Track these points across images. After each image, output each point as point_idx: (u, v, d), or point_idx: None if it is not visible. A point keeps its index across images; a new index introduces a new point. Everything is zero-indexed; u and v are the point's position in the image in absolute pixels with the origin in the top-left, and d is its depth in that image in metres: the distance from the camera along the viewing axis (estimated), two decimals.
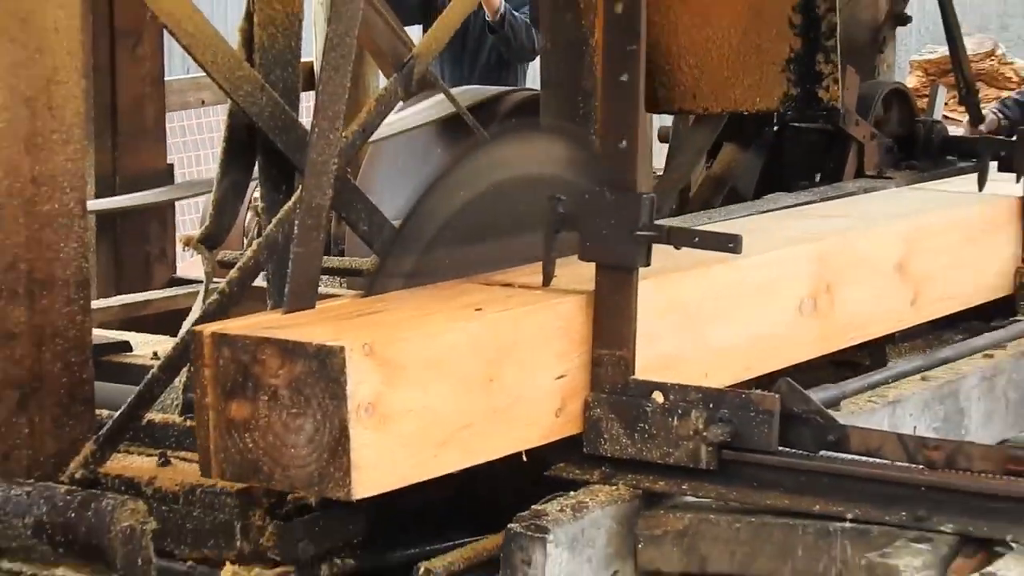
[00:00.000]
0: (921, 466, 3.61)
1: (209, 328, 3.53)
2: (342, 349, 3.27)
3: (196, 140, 8.90)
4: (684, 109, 6.75)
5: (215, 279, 5.12)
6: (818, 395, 4.03)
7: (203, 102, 8.72)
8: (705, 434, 3.61)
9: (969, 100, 8.13)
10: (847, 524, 3.54)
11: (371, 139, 5.63)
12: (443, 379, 3.52)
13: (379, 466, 3.38)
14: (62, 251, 4.18)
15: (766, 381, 4.34)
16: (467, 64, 9.69)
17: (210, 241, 5.38)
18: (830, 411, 4.05)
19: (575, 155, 4.98)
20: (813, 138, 7.20)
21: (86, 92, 4.56)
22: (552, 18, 6.46)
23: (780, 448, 3.66)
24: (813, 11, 6.19)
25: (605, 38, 3.87)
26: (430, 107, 6.16)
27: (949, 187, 5.85)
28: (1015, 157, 5.40)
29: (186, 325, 4.94)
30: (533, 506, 3.55)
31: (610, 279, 3.78)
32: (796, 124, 7.12)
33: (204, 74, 5.11)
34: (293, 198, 4.65)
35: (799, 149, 7.22)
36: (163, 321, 5.91)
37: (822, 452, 3.67)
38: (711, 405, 3.64)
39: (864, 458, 3.67)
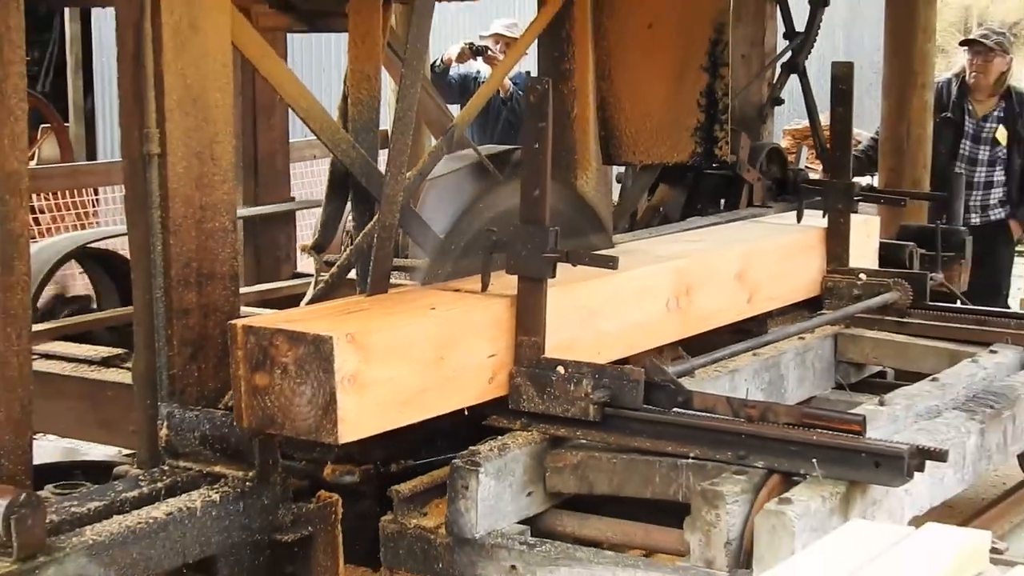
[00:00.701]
0: (742, 420, 3.69)
1: (240, 322, 3.68)
2: (331, 337, 3.45)
3: (310, 182, 8.85)
4: (628, 161, 6.75)
5: (322, 274, 5.13)
6: (674, 368, 4.13)
7: (315, 156, 8.69)
8: (592, 396, 3.72)
9: (823, 156, 8.05)
10: (690, 460, 3.65)
11: (426, 179, 5.59)
12: (405, 359, 3.67)
13: (358, 420, 3.53)
14: (220, 255, 4.24)
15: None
16: (488, 129, 9.63)
17: (319, 248, 5.41)
18: (682, 379, 4.14)
19: (557, 189, 4.93)
20: (718, 180, 7.16)
21: (236, 148, 4.52)
22: None
23: (644, 406, 3.75)
24: (713, 97, 6.18)
25: (526, 120, 3.99)
26: (464, 157, 6.15)
27: (779, 220, 5.98)
28: (824, 201, 5.52)
29: (303, 303, 5.05)
30: (470, 447, 3.72)
31: (527, 287, 3.89)
32: (707, 171, 7.08)
33: (315, 137, 5.10)
34: (373, 220, 4.62)
35: (709, 187, 7.19)
36: (287, 302, 5.78)
37: (674, 409, 3.75)
38: (596, 376, 3.75)
39: (703, 413, 3.74)
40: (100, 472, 4.17)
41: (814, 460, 3.47)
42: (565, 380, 3.78)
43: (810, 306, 5.33)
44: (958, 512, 5.15)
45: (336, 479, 4.04)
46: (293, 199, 7.31)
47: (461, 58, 9.99)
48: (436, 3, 4.80)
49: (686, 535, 3.46)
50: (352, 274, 5.09)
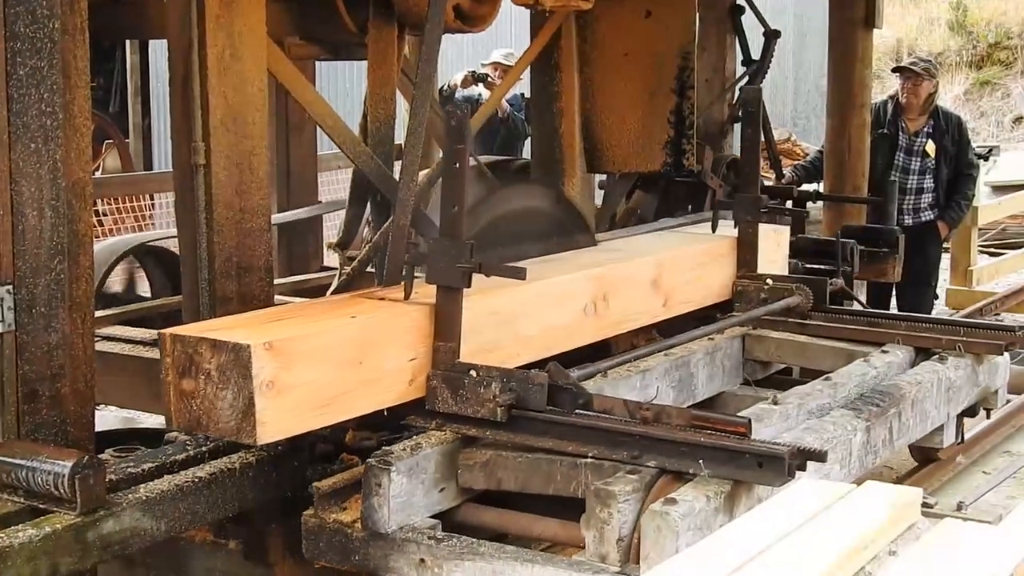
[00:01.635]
0: (637, 421, 3.45)
1: (168, 331, 3.43)
2: (248, 346, 3.20)
3: (335, 189, 8.83)
4: (609, 170, 6.75)
5: (345, 268, 5.16)
6: (579, 371, 3.89)
7: (339, 167, 8.66)
8: (499, 399, 3.46)
9: (776, 167, 8.03)
10: (589, 460, 3.42)
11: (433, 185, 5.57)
12: (324, 363, 3.42)
13: (277, 422, 3.29)
14: (256, 251, 4.26)
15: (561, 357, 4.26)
16: (488, 144, 9.60)
17: (342, 245, 5.41)
18: (597, 378, 4.05)
19: (547, 194, 5.15)
20: (686, 187, 7.09)
21: (271, 160, 4.52)
22: (537, 118, 6.34)
23: (548, 408, 3.50)
24: (681, 115, 6.19)
25: (445, 142, 3.82)
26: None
27: (696, 229, 5.63)
28: (734, 212, 5.22)
29: (329, 293, 5.07)
30: (384, 447, 3.50)
31: (445, 295, 3.64)
32: (676, 179, 7.04)
33: (339, 150, 5.09)
34: (389, 220, 4.59)
35: (678, 193, 7.13)
36: (316, 291, 5.76)
37: (576, 411, 3.51)
38: (504, 379, 3.50)
39: (602, 415, 3.51)
40: (153, 438, 4.11)
41: (700, 461, 3.28)
42: (476, 383, 3.53)
43: (723, 309, 5.05)
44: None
45: (357, 443, 3.90)
46: (320, 203, 7.29)
47: (465, 84, 10.12)
48: (443, 35, 4.78)
49: (582, 531, 3.26)
50: (370, 268, 5.08)
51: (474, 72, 10.32)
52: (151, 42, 9.61)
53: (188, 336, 3.35)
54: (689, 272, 4.81)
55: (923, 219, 8.45)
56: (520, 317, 4.09)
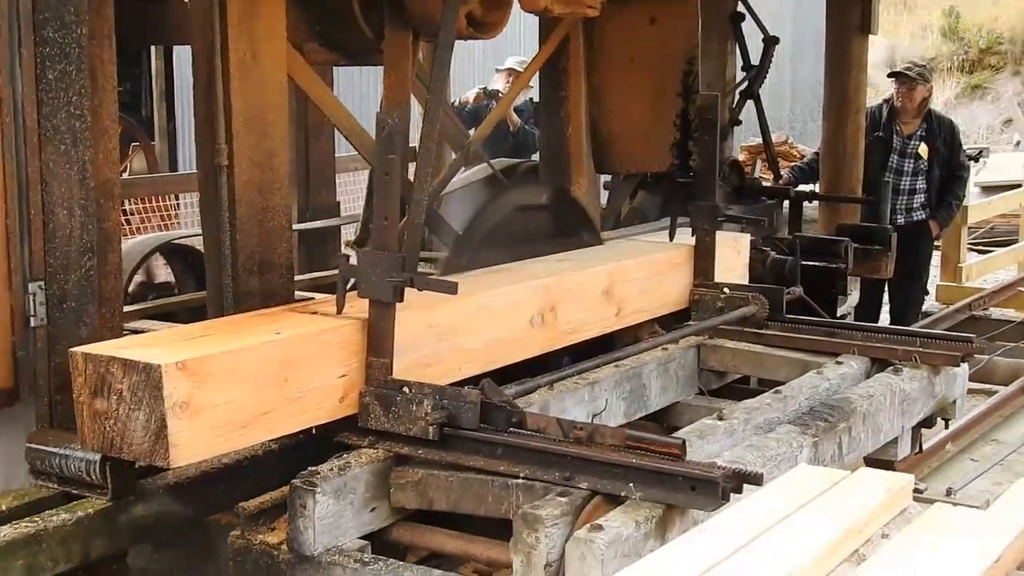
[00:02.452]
0: (571, 441, 3.13)
1: (79, 350, 3.09)
2: (159, 366, 2.87)
3: (353, 189, 8.85)
4: (615, 171, 6.72)
5: None
6: (516, 388, 3.58)
7: (356, 168, 8.64)
8: (431, 416, 3.16)
9: (773, 168, 8.03)
10: (520, 480, 3.09)
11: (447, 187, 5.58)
12: (244, 382, 3.06)
13: (192, 444, 2.96)
14: (278, 248, 4.17)
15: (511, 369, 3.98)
16: (498, 153, 9.64)
17: (359, 243, 5.39)
18: (532, 395, 3.72)
19: (551, 195, 5.08)
20: (688, 187, 7.10)
21: (291, 161, 4.52)
22: (545, 121, 6.32)
23: (481, 426, 3.19)
24: (686, 118, 6.15)
25: (377, 151, 3.42)
26: (479, 170, 6.10)
27: (653, 238, 5.21)
28: (691, 220, 4.88)
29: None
30: (310, 467, 3.16)
31: (377, 310, 3.30)
32: (679, 179, 7.04)
33: (356, 152, 5.11)
34: (405, 218, 4.59)
35: (681, 193, 7.14)
36: (335, 287, 5.75)
37: (510, 430, 3.21)
38: (436, 397, 3.19)
39: (536, 434, 3.20)
40: None
41: (631, 484, 2.95)
42: (408, 400, 3.20)
43: (681, 318, 4.66)
44: None
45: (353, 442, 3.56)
46: (338, 203, 7.26)
47: (477, 100, 10.08)
48: (456, 41, 4.78)
49: (511, 554, 2.89)
50: None
51: (485, 88, 10.23)
52: (175, 48, 9.63)
53: (99, 355, 3.02)
54: (644, 281, 4.44)
55: (915, 218, 8.39)
56: (462, 331, 3.72)
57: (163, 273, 6.33)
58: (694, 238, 4.77)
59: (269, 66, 4.14)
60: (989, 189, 12.02)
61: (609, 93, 6.35)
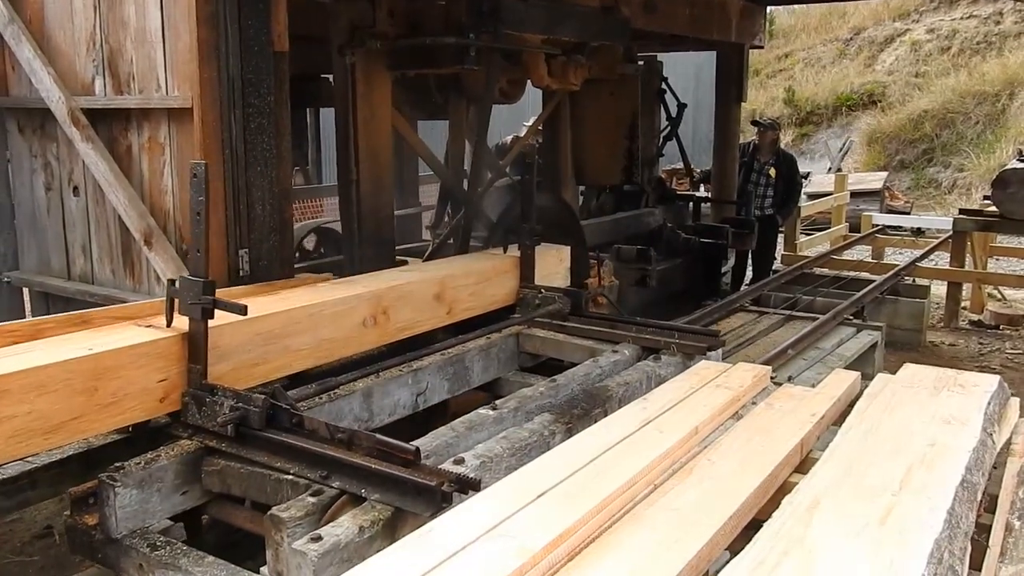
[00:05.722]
0: (334, 443, 2.25)
1: None
2: None
3: (426, 196, 8.81)
4: (587, 184, 6.72)
5: (435, 242, 4.93)
6: (306, 390, 2.69)
7: (430, 182, 8.57)
8: (228, 416, 2.31)
9: (689, 173, 8.01)
10: (291, 476, 2.21)
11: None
12: (48, 394, 2.18)
13: None
14: (384, 230, 4.11)
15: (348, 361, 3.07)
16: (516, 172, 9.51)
17: (433, 227, 5.35)
18: (359, 382, 2.82)
19: (551, 197, 4.97)
20: (632, 192, 7.04)
21: (393, 178, 4.46)
22: (545, 153, 6.28)
23: (267, 426, 2.33)
24: (631, 152, 6.16)
25: (190, 195, 2.43)
26: (503, 182, 5.74)
27: (490, 252, 4.00)
28: (517, 238, 3.80)
29: (425, 258, 4.71)
30: (117, 463, 2.26)
31: (193, 324, 2.43)
32: (626, 188, 7.01)
33: (431, 172, 5.08)
34: (460, 212, 4.58)
35: (627, 196, 7.09)
36: (418, 253, 5.12)
37: (291, 429, 2.33)
38: (235, 400, 2.35)
39: (310, 434, 2.31)
40: None
41: (362, 491, 2.09)
42: (214, 402, 2.35)
43: (511, 311, 3.72)
44: None
45: (177, 433, 2.49)
46: (420, 204, 7.25)
47: (511, 143, 9.81)
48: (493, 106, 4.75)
49: (267, 549, 2.02)
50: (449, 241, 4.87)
51: (516, 136, 10.15)
52: (322, 109, 9.61)
53: None
54: (473, 286, 3.53)
55: (767, 213, 8.37)
56: (291, 335, 2.80)
57: (311, 245, 6.34)
58: (518, 252, 3.81)
59: (381, 121, 4.11)
60: (813, 196, 11.99)
61: (584, 137, 6.37)
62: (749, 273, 8.28)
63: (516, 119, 10.49)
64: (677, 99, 7.12)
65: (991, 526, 1.94)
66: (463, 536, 1.66)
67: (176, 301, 2.43)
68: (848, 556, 1.57)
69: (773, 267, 8.21)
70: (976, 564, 1.78)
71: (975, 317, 7.98)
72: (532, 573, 1.52)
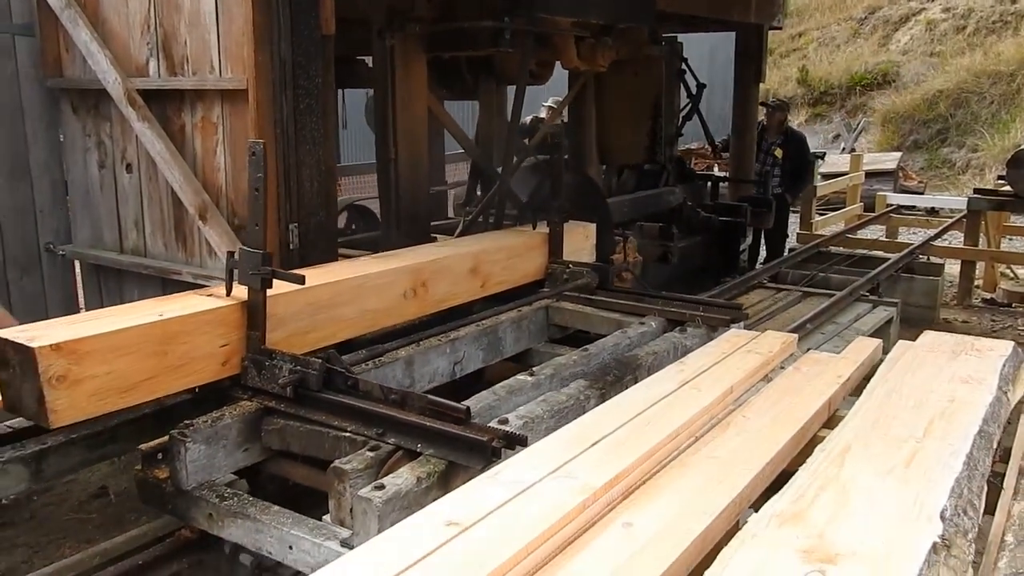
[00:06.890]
0: (387, 403, 2.38)
1: None
2: (33, 348, 2.19)
3: (459, 173, 8.80)
4: (611, 163, 6.71)
5: (466, 219, 4.91)
6: (356, 356, 2.80)
7: (460, 160, 8.57)
8: (287, 379, 2.44)
9: (712, 146, 8.02)
10: (348, 433, 2.34)
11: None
12: (124, 356, 2.32)
13: (70, 409, 2.26)
14: (420, 206, 4.19)
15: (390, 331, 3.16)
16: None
17: (464, 204, 5.43)
18: (401, 351, 2.93)
19: (577, 175, 5.12)
20: (654, 171, 7.11)
21: (426, 156, 4.50)
22: (571, 134, 6.33)
23: (324, 388, 2.45)
24: (655, 131, 6.21)
25: (249, 172, 2.54)
26: (529, 161, 5.87)
27: (518, 229, 4.06)
28: (546, 216, 3.93)
29: (456, 234, 4.72)
30: (187, 420, 2.41)
31: (253, 294, 2.55)
32: (647, 167, 7.07)
33: (463, 151, 5.15)
34: (492, 189, 4.68)
35: (649, 174, 7.15)
36: (449, 230, 5.20)
37: (346, 391, 2.46)
38: (293, 364, 2.47)
39: (364, 395, 2.44)
40: None
41: (417, 445, 2.22)
42: (273, 366, 2.48)
43: (541, 285, 3.81)
44: None
45: (237, 396, 2.61)
46: (446, 182, 7.26)
47: (531, 123, 9.81)
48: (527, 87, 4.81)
49: (330, 499, 2.18)
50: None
51: (536, 116, 10.09)
52: (346, 90, 9.62)
53: (2, 338, 2.27)
54: (505, 260, 3.62)
55: (774, 192, 8.35)
56: (339, 305, 2.91)
57: (342, 223, 6.41)
58: (547, 228, 3.90)
59: (417, 101, 4.18)
60: (827, 176, 12.01)
61: (609, 116, 6.42)
62: (763, 252, 8.34)
63: (536, 99, 10.56)
64: (696, 79, 7.15)
65: (1004, 473, 2.10)
66: (531, 475, 1.80)
67: (235, 272, 2.55)
68: (879, 490, 1.71)
69: (786, 246, 8.28)
70: (991, 506, 1.94)
71: (988, 295, 8.05)
72: (594, 507, 1.67)
